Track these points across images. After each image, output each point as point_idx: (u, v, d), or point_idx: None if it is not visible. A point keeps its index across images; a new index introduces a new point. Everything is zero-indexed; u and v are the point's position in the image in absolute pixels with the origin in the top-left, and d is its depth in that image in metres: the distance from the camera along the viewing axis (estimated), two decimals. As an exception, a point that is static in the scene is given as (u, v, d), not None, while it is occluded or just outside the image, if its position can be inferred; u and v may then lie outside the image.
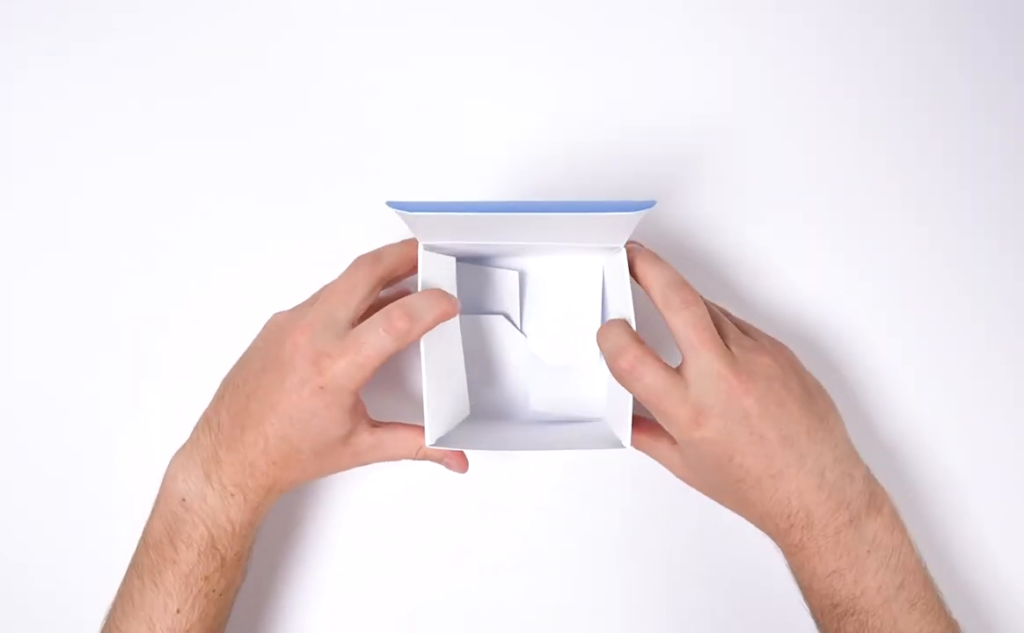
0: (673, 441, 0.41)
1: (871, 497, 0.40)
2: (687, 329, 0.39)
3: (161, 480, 0.41)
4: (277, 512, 0.48)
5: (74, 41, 0.53)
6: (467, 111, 0.53)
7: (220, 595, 0.41)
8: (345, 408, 0.40)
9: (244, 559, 0.42)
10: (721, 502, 0.43)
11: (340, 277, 0.42)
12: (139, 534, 0.41)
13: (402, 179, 0.52)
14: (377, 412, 0.44)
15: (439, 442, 0.41)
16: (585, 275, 0.46)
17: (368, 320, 0.39)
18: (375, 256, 0.42)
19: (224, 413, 0.41)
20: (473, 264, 0.47)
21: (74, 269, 0.51)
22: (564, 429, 0.44)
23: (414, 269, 0.42)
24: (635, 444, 0.42)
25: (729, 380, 0.38)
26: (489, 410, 0.47)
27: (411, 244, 0.43)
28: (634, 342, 0.39)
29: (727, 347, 0.39)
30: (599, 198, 0.51)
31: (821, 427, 0.40)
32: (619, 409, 0.41)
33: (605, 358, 0.40)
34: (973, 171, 0.52)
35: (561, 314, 0.47)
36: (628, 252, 0.42)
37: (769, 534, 0.41)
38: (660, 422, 0.40)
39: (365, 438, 0.42)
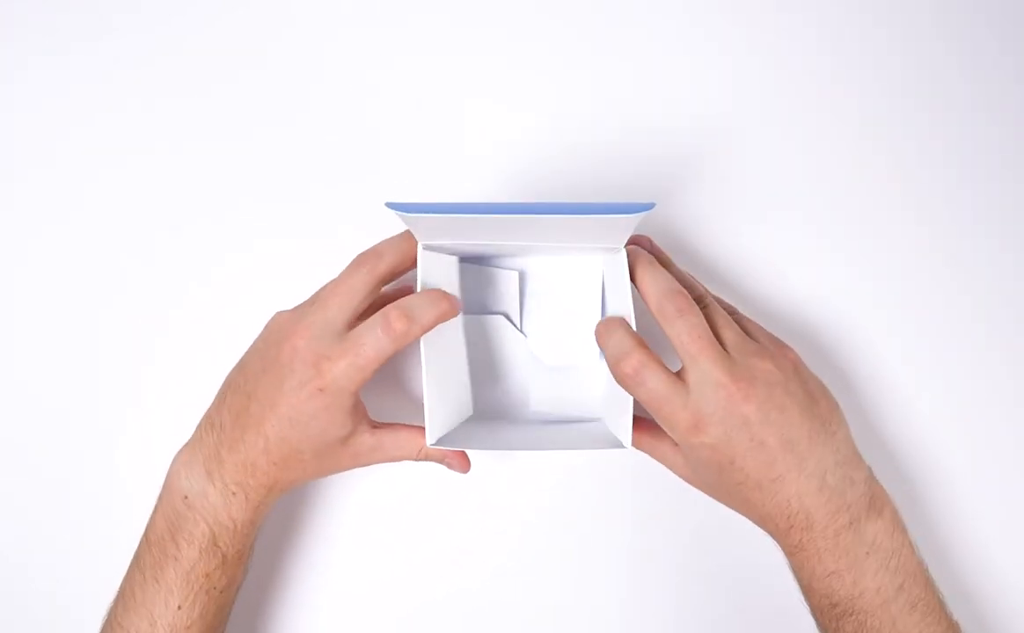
0: (674, 442, 0.41)
1: (872, 500, 0.40)
2: (683, 338, 0.39)
3: (164, 477, 0.42)
4: (278, 511, 0.48)
5: (74, 41, 0.53)
6: (467, 111, 0.52)
7: (221, 592, 0.41)
8: (345, 409, 0.40)
9: (245, 557, 0.42)
10: (722, 502, 0.43)
11: (340, 277, 0.42)
12: (139, 534, 0.42)
13: (402, 179, 0.52)
14: (377, 412, 0.44)
15: (439, 442, 0.41)
16: (585, 275, 0.46)
17: (367, 321, 0.39)
18: (375, 254, 0.42)
19: (226, 413, 0.41)
20: (473, 264, 0.47)
21: (74, 269, 0.51)
22: (564, 429, 0.44)
23: (415, 263, 0.42)
24: (636, 444, 0.42)
25: (728, 387, 0.38)
26: (489, 410, 0.47)
27: (412, 238, 0.42)
28: (637, 346, 0.39)
29: (726, 353, 0.39)
30: (599, 198, 0.51)
31: (823, 430, 0.40)
32: (619, 410, 0.41)
33: (607, 361, 0.40)
34: (973, 171, 0.52)
35: (561, 314, 0.47)
36: (628, 255, 0.42)
37: (770, 534, 0.41)
38: (661, 425, 0.40)
39: (365, 439, 0.42)
